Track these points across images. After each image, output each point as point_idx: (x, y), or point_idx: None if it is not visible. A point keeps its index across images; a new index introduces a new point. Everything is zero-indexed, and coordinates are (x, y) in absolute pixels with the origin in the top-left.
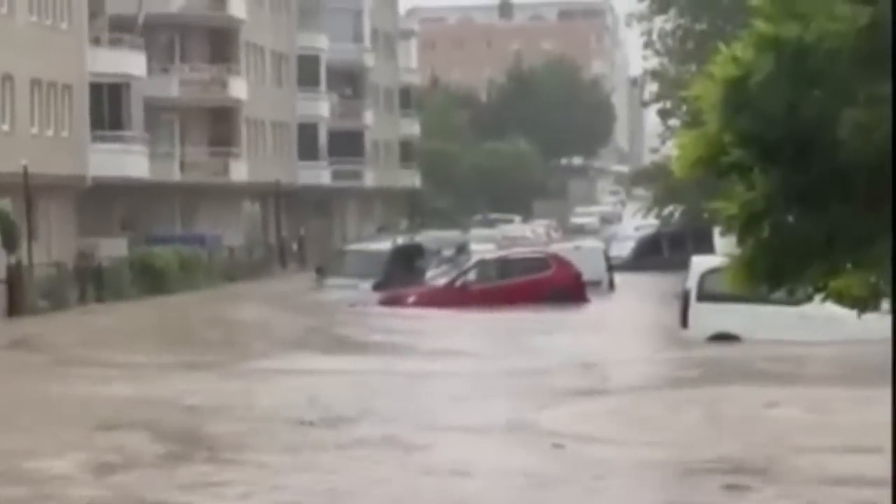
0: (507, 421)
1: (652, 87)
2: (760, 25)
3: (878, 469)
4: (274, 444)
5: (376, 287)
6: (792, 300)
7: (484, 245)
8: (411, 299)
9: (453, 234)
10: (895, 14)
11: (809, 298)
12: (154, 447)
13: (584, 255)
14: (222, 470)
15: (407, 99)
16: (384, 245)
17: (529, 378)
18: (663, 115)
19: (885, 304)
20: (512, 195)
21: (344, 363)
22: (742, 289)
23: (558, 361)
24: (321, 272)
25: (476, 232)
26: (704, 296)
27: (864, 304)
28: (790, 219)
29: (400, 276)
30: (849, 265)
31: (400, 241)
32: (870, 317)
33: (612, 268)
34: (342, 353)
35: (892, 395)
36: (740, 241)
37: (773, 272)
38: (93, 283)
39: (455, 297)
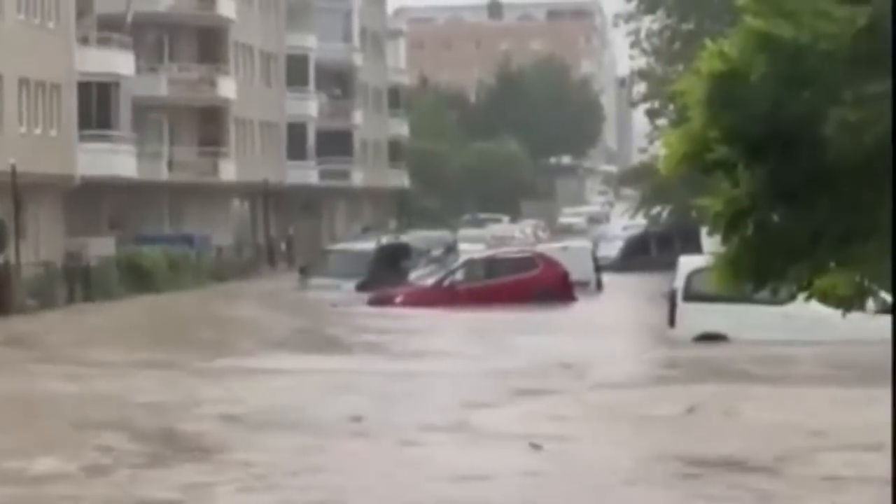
0: (481, 421)
1: (640, 88)
2: (752, 21)
3: (863, 468)
4: (256, 444)
5: (360, 287)
6: (779, 300)
7: (472, 245)
8: (399, 299)
9: (442, 234)
10: (895, 14)
11: (793, 297)
12: (138, 446)
13: (572, 255)
14: (206, 469)
15: (396, 99)
16: (368, 245)
17: (507, 378)
18: (651, 115)
19: (871, 304)
20: (500, 195)
21: (321, 363)
22: (727, 287)
23: (537, 361)
24: (305, 272)
25: (464, 232)
26: (691, 296)
27: (848, 303)
28: (774, 217)
29: (384, 276)
30: (832, 264)
31: (384, 241)
32: (856, 317)
33: (599, 268)
34: (321, 352)
35: (892, 394)
36: (725, 239)
37: (758, 270)
38: (81, 283)
39: (443, 296)
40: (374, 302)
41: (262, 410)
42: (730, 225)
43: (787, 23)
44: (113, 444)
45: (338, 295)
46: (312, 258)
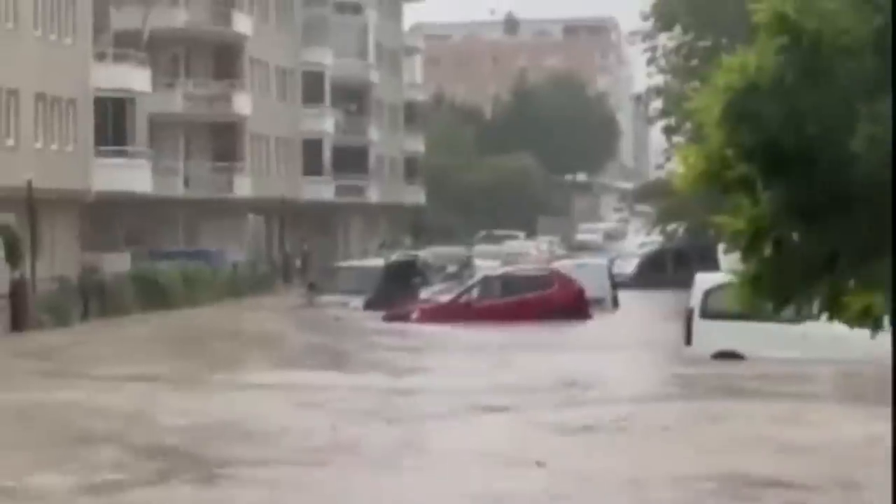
0: (486, 441)
1: (656, 104)
2: (774, 4)
3: (874, 481)
4: (258, 458)
5: (368, 305)
6: (797, 318)
7: (488, 261)
8: (415, 315)
9: (457, 250)
10: (895, 16)
11: (815, 317)
12: (146, 462)
13: (588, 272)
14: (217, 484)
15: (411, 115)
16: (377, 262)
17: (501, 395)
18: (668, 131)
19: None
20: (516, 211)
21: (322, 379)
22: (747, 306)
23: (538, 378)
24: (312, 288)
25: (480, 248)
26: (708, 313)
27: (875, 322)
28: (794, 235)
29: (393, 293)
30: (851, 283)
31: (393, 257)
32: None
33: (615, 285)
34: (325, 369)
35: (892, 401)
36: (745, 258)
37: (778, 289)
38: (96, 298)
39: (459, 313)
40: (390, 318)
41: (261, 426)
42: (750, 243)
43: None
44: (122, 459)
45: (343, 313)
46: (320, 274)
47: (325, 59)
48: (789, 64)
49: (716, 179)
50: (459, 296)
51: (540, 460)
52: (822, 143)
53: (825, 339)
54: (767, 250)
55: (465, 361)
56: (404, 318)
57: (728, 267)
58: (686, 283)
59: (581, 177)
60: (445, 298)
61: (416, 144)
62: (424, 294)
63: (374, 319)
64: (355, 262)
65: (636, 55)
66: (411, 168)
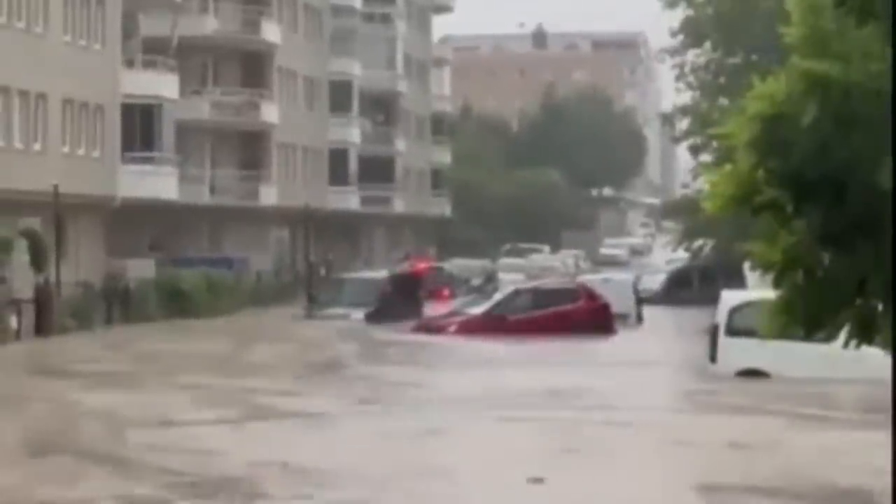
0: (469, 451)
1: (682, 125)
2: (801, 63)
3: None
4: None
5: (369, 317)
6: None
7: (512, 274)
8: (453, 328)
9: (482, 263)
10: (894, 20)
11: (848, 344)
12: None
13: (613, 287)
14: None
15: (439, 126)
16: (380, 274)
17: (486, 405)
18: (694, 150)
19: None
20: (542, 225)
21: (312, 389)
22: (780, 331)
23: (520, 390)
24: (313, 300)
25: (504, 261)
26: (733, 331)
27: None
28: (825, 261)
29: (396, 306)
30: (880, 307)
31: (397, 270)
32: None
33: (640, 301)
34: (315, 383)
35: (891, 404)
36: (776, 285)
37: (810, 315)
38: (120, 304)
39: (493, 326)
40: (418, 329)
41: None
42: (782, 270)
43: (836, 63)
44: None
45: (344, 325)
46: (326, 286)
47: (353, 69)
48: (822, 112)
49: (745, 203)
50: (493, 308)
51: (536, 477)
52: (852, 171)
53: (850, 358)
54: (799, 277)
55: (457, 376)
56: (437, 330)
57: (755, 284)
58: (712, 300)
59: (607, 192)
60: (479, 311)
61: (443, 156)
62: (451, 306)
63: (375, 332)
64: (359, 274)
65: (665, 71)
66: (437, 179)
